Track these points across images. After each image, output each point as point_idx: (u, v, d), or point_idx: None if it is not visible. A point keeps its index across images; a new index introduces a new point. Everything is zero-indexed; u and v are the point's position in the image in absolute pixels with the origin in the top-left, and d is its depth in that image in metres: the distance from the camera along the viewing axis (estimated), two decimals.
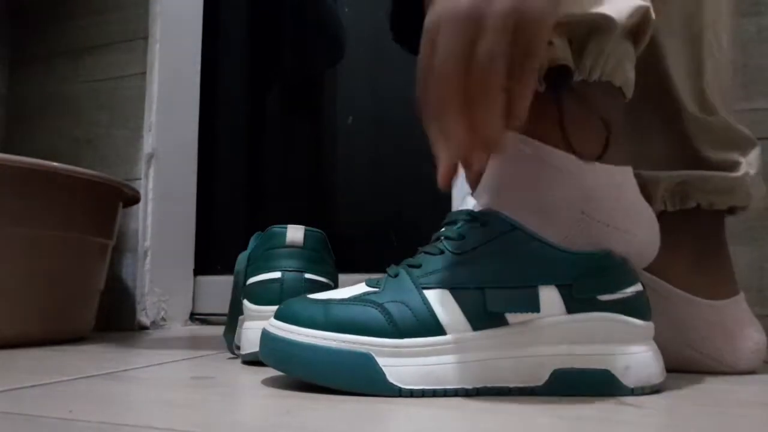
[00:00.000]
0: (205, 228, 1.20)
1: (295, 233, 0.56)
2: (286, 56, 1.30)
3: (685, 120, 0.52)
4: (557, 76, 0.40)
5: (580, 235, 0.40)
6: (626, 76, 0.42)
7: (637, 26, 0.42)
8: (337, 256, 0.61)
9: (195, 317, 1.17)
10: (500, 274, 0.39)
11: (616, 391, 0.39)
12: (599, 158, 0.40)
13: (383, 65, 1.14)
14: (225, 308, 0.60)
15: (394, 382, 0.38)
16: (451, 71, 0.34)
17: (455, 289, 0.39)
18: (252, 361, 0.54)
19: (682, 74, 0.52)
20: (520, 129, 0.41)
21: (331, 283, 0.57)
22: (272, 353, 0.41)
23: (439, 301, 0.39)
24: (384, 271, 0.43)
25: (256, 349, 0.46)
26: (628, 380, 0.39)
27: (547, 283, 0.39)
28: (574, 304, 0.39)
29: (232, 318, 0.59)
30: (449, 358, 0.39)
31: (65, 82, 1.13)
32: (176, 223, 1.12)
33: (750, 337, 0.51)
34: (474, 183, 0.44)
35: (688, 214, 0.52)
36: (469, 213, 0.42)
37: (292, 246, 0.56)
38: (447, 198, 0.88)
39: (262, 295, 0.55)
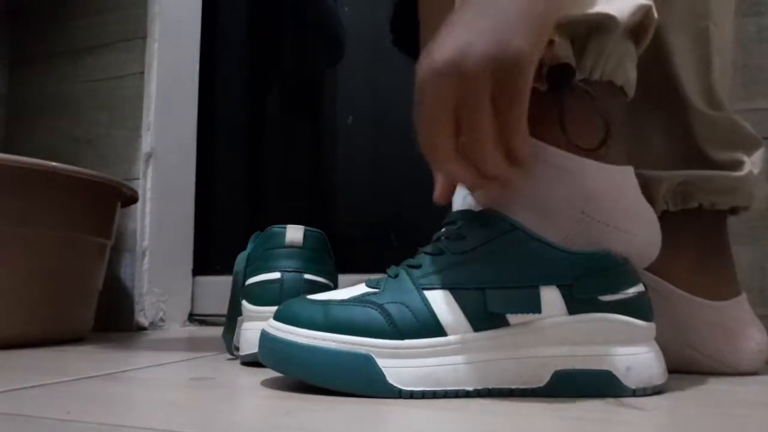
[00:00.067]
0: (204, 228, 1.20)
1: (294, 233, 0.56)
2: (286, 56, 1.29)
3: (690, 118, 0.52)
4: (558, 75, 0.39)
5: (580, 235, 0.40)
6: (627, 75, 0.42)
7: (639, 25, 0.42)
8: (337, 256, 0.61)
9: (194, 318, 1.16)
10: (501, 274, 0.39)
11: (617, 392, 0.39)
12: (595, 151, 0.39)
13: (383, 65, 1.14)
14: (224, 309, 0.60)
15: (394, 384, 0.38)
16: (440, 127, 0.36)
17: (455, 289, 0.39)
18: (251, 362, 0.53)
19: (690, 71, 0.52)
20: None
21: (331, 284, 0.57)
22: (271, 354, 0.41)
23: (440, 301, 0.39)
24: (384, 272, 0.43)
25: (255, 350, 0.45)
26: (630, 381, 0.39)
27: (547, 283, 0.39)
28: (575, 304, 0.39)
29: (231, 319, 0.58)
30: (450, 359, 0.38)
31: (65, 82, 1.13)
32: (175, 223, 1.12)
33: (752, 338, 0.51)
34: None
35: (689, 214, 0.52)
36: (469, 213, 0.42)
37: (292, 246, 0.56)
38: None
39: (262, 295, 0.54)
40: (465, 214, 0.42)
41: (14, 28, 1.19)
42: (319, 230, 0.58)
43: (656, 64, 0.52)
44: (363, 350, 0.38)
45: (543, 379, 0.39)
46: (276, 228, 0.57)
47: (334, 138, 1.22)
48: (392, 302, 0.40)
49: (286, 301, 0.44)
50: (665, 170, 0.52)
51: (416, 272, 0.41)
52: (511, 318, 0.39)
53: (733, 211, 0.53)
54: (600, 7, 0.39)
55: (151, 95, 1.07)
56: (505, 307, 0.38)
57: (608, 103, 0.41)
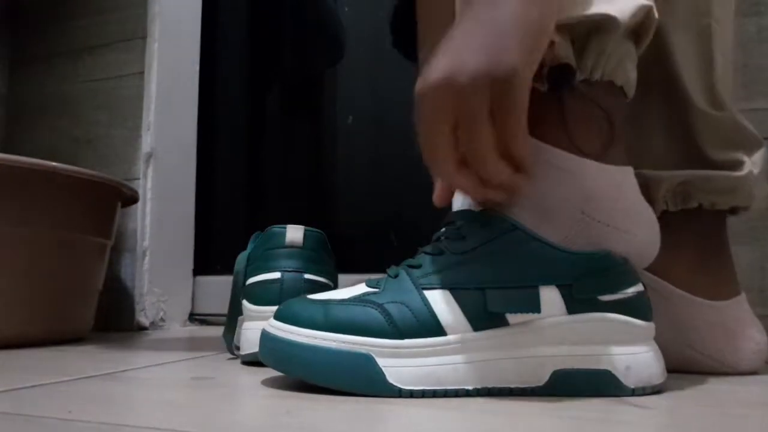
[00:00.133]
0: (205, 228, 1.20)
1: (294, 233, 0.56)
2: (286, 56, 1.29)
3: (691, 117, 0.52)
4: (559, 76, 0.39)
5: (580, 235, 0.40)
6: (627, 75, 0.42)
7: (640, 26, 0.42)
8: (337, 256, 0.61)
9: (194, 318, 1.16)
10: (500, 274, 0.39)
11: (616, 392, 0.39)
12: (604, 156, 0.39)
13: (383, 65, 1.14)
14: (224, 308, 0.60)
15: (394, 383, 0.38)
16: (439, 141, 0.37)
17: (455, 289, 0.39)
18: (251, 361, 0.53)
19: (692, 70, 0.52)
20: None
21: (331, 284, 0.57)
22: (272, 354, 0.41)
23: (440, 301, 0.39)
24: (384, 271, 0.43)
25: (256, 349, 0.46)
26: (629, 380, 0.39)
27: (547, 283, 0.39)
28: (575, 304, 0.39)
29: (232, 318, 0.58)
30: (449, 359, 0.39)
31: (65, 82, 1.13)
32: (175, 223, 1.12)
33: (751, 338, 0.51)
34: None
35: (689, 214, 0.52)
36: (469, 213, 0.42)
37: (292, 246, 0.56)
38: None
39: (262, 295, 0.55)
40: (465, 214, 0.42)
41: (14, 28, 1.19)
42: (319, 230, 0.58)
43: (657, 63, 0.52)
44: (363, 350, 0.38)
45: (542, 378, 0.39)
46: (276, 228, 0.57)
47: (334, 138, 1.22)
48: (392, 302, 0.40)
49: (286, 300, 0.44)
50: (665, 170, 0.52)
51: (416, 272, 0.41)
52: (511, 318, 0.39)
53: (733, 211, 0.53)
54: (601, 8, 0.39)
55: (151, 95, 1.07)
56: (505, 306, 0.38)
57: (608, 103, 0.41)
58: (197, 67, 1.19)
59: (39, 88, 1.15)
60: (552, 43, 0.39)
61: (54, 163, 0.73)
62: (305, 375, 0.40)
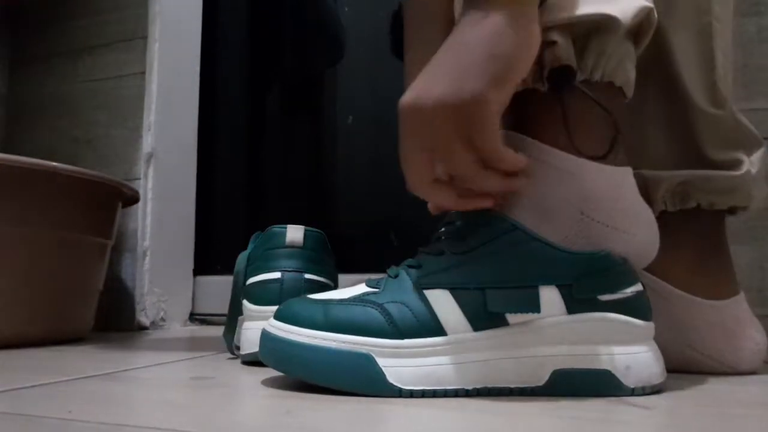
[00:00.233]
0: (205, 228, 1.20)
1: (294, 233, 0.56)
2: (286, 56, 1.29)
3: (691, 116, 0.52)
4: (559, 76, 0.40)
5: (579, 235, 0.40)
6: (627, 75, 0.42)
7: (639, 26, 0.42)
8: (337, 256, 0.61)
9: (194, 317, 1.16)
10: (500, 274, 0.39)
11: (616, 392, 0.39)
12: (605, 157, 0.40)
13: (383, 65, 1.14)
14: (224, 308, 0.60)
15: (394, 383, 0.38)
16: (414, 161, 0.39)
17: (455, 289, 0.39)
18: (252, 361, 0.54)
19: (692, 68, 0.52)
20: (524, 130, 0.42)
21: (331, 283, 0.57)
22: (272, 353, 0.41)
23: (440, 301, 0.39)
24: (384, 271, 0.43)
25: (256, 349, 0.46)
26: (629, 380, 0.39)
27: (547, 283, 0.39)
28: (575, 304, 0.39)
29: (232, 318, 0.59)
30: (449, 359, 0.39)
31: (65, 82, 1.13)
32: (176, 223, 1.12)
33: (751, 338, 0.51)
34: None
35: (688, 214, 0.52)
36: (469, 213, 0.42)
37: (292, 246, 0.56)
38: None
39: (262, 295, 0.55)
40: (465, 214, 0.42)
41: (14, 28, 1.19)
42: (319, 230, 0.58)
43: (656, 62, 0.52)
44: (363, 350, 0.39)
45: (542, 378, 0.39)
46: (276, 228, 0.57)
47: (334, 138, 1.22)
48: (392, 302, 0.40)
49: (286, 300, 0.44)
50: (664, 170, 0.52)
51: (416, 272, 0.41)
52: (511, 318, 0.39)
53: (732, 211, 0.53)
54: (602, 8, 0.39)
55: (152, 95, 1.07)
56: (505, 306, 0.39)
57: (608, 104, 0.41)
58: (197, 67, 1.19)
59: (39, 88, 1.15)
60: (553, 43, 0.39)
61: (54, 163, 0.73)
62: (305, 375, 0.40)
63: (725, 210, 0.53)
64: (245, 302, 0.56)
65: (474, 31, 0.37)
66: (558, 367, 0.39)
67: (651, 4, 0.41)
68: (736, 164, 0.51)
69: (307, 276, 0.55)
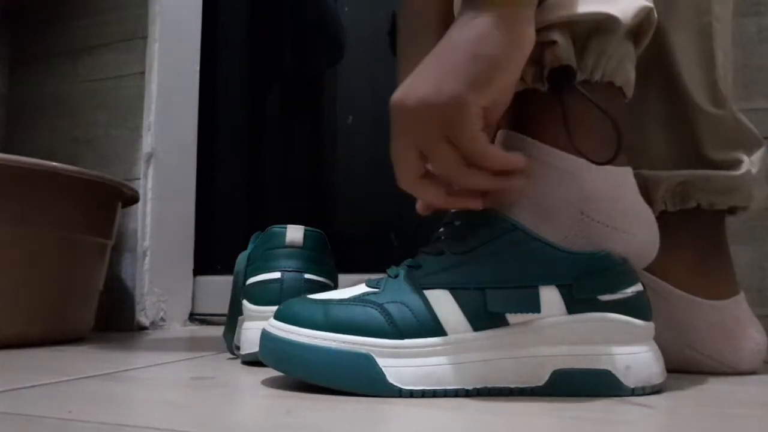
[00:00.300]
0: (205, 228, 1.20)
1: (294, 233, 0.56)
2: (286, 56, 1.30)
3: (692, 116, 0.52)
4: (559, 76, 0.40)
5: (579, 235, 0.40)
6: (627, 75, 0.42)
7: (639, 26, 0.42)
8: (337, 256, 0.61)
9: (194, 317, 1.16)
10: (500, 274, 0.39)
11: (616, 392, 0.39)
12: (611, 161, 0.39)
13: (383, 65, 1.14)
14: (224, 308, 0.60)
15: (394, 383, 0.38)
16: (402, 157, 0.39)
17: (455, 289, 0.39)
18: (252, 361, 0.54)
19: (692, 67, 0.52)
20: (524, 130, 0.42)
21: (331, 284, 0.57)
22: (272, 353, 0.41)
23: (440, 301, 0.39)
24: (384, 271, 0.43)
25: (256, 349, 0.46)
26: (629, 380, 0.39)
27: (547, 283, 0.39)
28: (575, 304, 0.39)
29: (232, 318, 0.59)
30: (449, 359, 0.39)
31: (65, 82, 1.13)
32: (175, 223, 1.12)
33: (751, 338, 0.51)
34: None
35: (688, 214, 0.52)
36: (469, 213, 0.42)
37: (292, 246, 0.56)
38: None
39: (262, 295, 0.55)
40: (465, 214, 0.42)
41: (14, 28, 1.19)
42: (319, 230, 0.58)
43: (657, 62, 0.52)
44: (363, 350, 0.39)
45: (542, 378, 0.39)
46: (276, 228, 0.57)
47: (334, 138, 1.23)
48: (392, 302, 0.40)
49: (286, 300, 0.44)
50: (664, 170, 0.52)
51: (416, 272, 0.41)
52: (511, 318, 0.39)
53: (732, 211, 0.53)
54: (602, 7, 0.39)
55: (152, 95, 1.07)
56: (505, 306, 0.39)
57: (608, 104, 0.41)
58: (197, 67, 1.19)
59: (39, 88, 1.15)
60: (553, 44, 0.39)
61: (54, 163, 0.73)
62: (305, 375, 0.40)
63: (725, 210, 0.53)
64: (245, 302, 0.56)
65: (462, 32, 0.37)
66: (558, 367, 0.39)
67: (651, 4, 0.41)
68: (736, 164, 0.51)
69: (307, 276, 0.55)
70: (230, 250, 0.72)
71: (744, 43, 0.78)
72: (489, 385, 0.39)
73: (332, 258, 0.60)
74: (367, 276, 0.45)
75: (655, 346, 0.41)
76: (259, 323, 0.49)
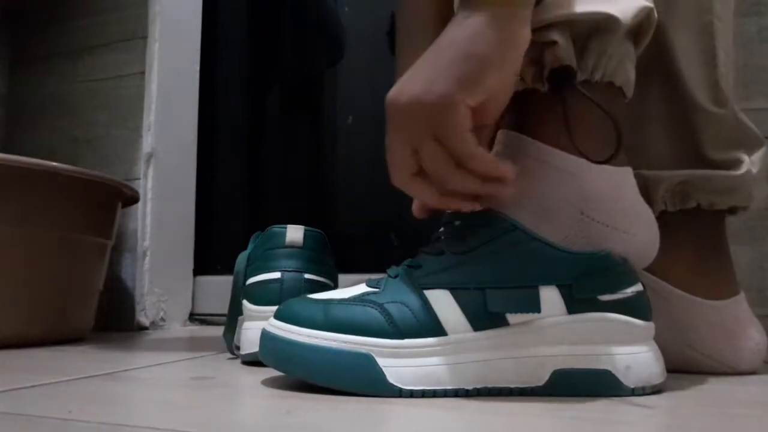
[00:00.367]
0: (205, 228, 1.20)
1: (294, 233, 0.56)
2: (286, 56, 1.29)
3: (693, 115, 0.52)
4: (560, 76, 0.40)
5: (579, 235, 0.40)
6: (627, 75, 0.42)
7: (639, 26, 0.42)
8: (337, 256, 0.61)
9: (194, 317, 1.16)
10: (500, 274, 0.39)
11: (616, 392, 0.39)
12: (610, 160, 0.39)
13: (383, 65, 1.14)
14: (224, 308, 0.60)
15: (395, 383, 0.38)
16: (396, 155, 0.40)
17: (455, 289, 0.39)
18: (252, 361, 0.54)
19: (694, 67, 0.52)
20: (524, 130, 0.42)
21: (331, 283, 0.57)
22: (272, 353, 0.41)
23: (440, 301, 0.39)
24: (384, 271, 0.43)
25: (256, 349, 0.46)
26: (629, 380, 0.39)
27: (547, 283, 0.39)
28: (575, 304, 0.39)
29: (232, 318, 0.59)
30: (449, 359, 0.39)
31: (65, 82, 1.13)
32: (175, 223, 1.12)
33: (751, 338, 0.51)
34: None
35: (688, 214, 0.52)
36: (469, 213, 0.42)
37: (292, 246, 0.56)
38: None
39: (262, 295, 0.55)
40: (465, 214, 0.42)
41: (14, 28, 1.19)
42: (319, 230, 0.58)
43: (658, 62, 0.52)
44: (363, 349, 0.39)
45: (542, 378, 0.39)
46: (276, 228, 0.57)
47: (334, 138, 1.22)
48: (392, 302, 0.40)
49: (286, 300, 0.44)
50: (664, 170, 0.52)
51: (416, 272, 0.41)
52: (511, 318, 0.39)
53: (732, 211, 0.53)
54: (603, 7, 0.39)
55: (152, 95, 1.07)
56: (505, 306, 0.39)
57: (608, 104, 0.41)
58: (197, 67, 1.19)
59: (39, 88, 1.15)
60: (553, 44, 0.39)
61: (54, 163, 0.73)
62: (305, 375, 0.40)
63: (725, 210, 0.53)
64: (245, 302, 0.56)
65: (456, 31, 0.37)
66: (558, 367, 0.39)
67: (651, 4, 0.41)
68: (736, 164, 0.51)
69: (307, 276, 0.55)
70: (230, 250, 0.72)
71: (744, 43, 0.78)
72: (489, 385, 0.39)
73: (332, 258, 0.60)
74: (367, 276, 0.45)
75: (655, 346, 0.41)
76: (259, 323, 0.49)
